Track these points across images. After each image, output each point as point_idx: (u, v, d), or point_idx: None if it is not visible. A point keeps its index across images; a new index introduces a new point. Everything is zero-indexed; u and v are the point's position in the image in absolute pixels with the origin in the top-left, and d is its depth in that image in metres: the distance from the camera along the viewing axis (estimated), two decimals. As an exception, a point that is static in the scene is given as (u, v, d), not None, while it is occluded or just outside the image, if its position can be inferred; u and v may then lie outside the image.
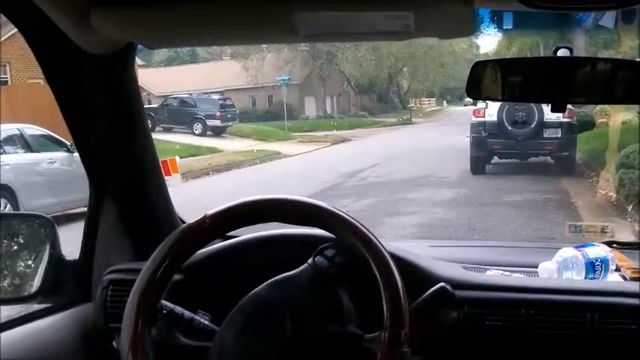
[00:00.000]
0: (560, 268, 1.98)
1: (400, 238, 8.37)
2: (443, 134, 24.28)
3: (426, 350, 1.61)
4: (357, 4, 1.40)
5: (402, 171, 16.01)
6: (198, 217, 1.64)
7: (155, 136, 2.18)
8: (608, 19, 2.41)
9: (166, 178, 2.21)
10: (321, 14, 1.44)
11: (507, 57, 13.42)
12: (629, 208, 10.39)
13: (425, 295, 1.64)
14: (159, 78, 33.09)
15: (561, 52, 1.61)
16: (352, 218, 1.58)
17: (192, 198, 7.58)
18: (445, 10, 1.41)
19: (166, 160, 10.41)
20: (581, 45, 16.34)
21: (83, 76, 1.82)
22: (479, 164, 15.30)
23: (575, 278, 1.96)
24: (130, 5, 1.44)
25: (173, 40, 2.01)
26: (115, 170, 2.01)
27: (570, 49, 1.62)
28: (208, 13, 1.47)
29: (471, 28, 1.51)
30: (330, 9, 1.42)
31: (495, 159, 15.74)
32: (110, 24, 1.54)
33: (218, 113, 26.02)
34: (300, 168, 18.20)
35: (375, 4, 1.40)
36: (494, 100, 1.89)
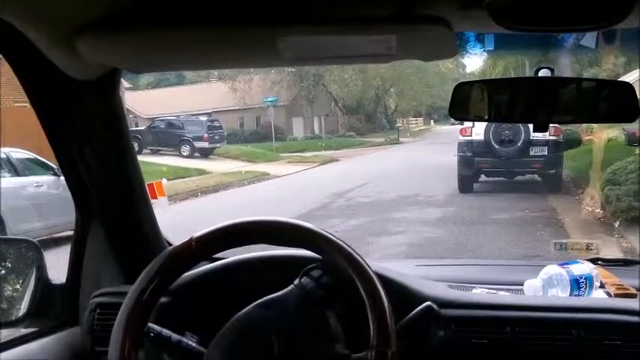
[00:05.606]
0: (545, 286, 2.00)
1: (388, 258, 8.36)
2: (430, 153, 24.30)
3: (412, 369, 1.62)
4: (339, 29, 1.41)
5: (390, 190, 15.99)
6: (185, 240, 1.64)
7: (142, 158, 2.19)
8: (589, 39, 2.44)
9: (152, 201, 2.21)
10: (305, 39, 1.45)
11: (492, 77, 13.47)
12: (616, 224, 10.43)
13: (411, 314, 1.65)
14: (146, 100, 32.99)
15: (543, 73, 1.63)
16: (338, 239, 1.59)
17: (179, 220, 7.55)
18: (427, 34, 1.42)
19: (152, 184, 10.35)
20: (565, 64, 16.44)
21: (68, 101, 1.82)
22: (466, 183, 15.32)
23: (560, 295, 1.97)
24: (115, 31, 1.44)
25: (158, 65, 2.02)
26: (101, 194, 2.01)
27: (552, 70, 1.63)
28: (193, 38, 1.47)
29: (452, 50, 1.53)
30: (313, 33, 1.43)
31: (483, 177, 15.79)
32: (96, 50, 1.54)
33: (206, 135, 25.94)
34: (288, 189, 18.16)
35: (358, 29, 1.41)
36: (476, 120, 1.91)
